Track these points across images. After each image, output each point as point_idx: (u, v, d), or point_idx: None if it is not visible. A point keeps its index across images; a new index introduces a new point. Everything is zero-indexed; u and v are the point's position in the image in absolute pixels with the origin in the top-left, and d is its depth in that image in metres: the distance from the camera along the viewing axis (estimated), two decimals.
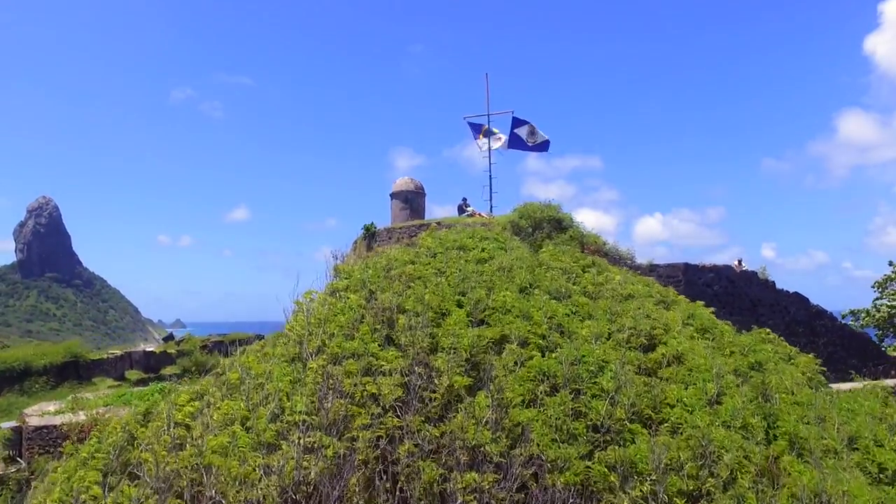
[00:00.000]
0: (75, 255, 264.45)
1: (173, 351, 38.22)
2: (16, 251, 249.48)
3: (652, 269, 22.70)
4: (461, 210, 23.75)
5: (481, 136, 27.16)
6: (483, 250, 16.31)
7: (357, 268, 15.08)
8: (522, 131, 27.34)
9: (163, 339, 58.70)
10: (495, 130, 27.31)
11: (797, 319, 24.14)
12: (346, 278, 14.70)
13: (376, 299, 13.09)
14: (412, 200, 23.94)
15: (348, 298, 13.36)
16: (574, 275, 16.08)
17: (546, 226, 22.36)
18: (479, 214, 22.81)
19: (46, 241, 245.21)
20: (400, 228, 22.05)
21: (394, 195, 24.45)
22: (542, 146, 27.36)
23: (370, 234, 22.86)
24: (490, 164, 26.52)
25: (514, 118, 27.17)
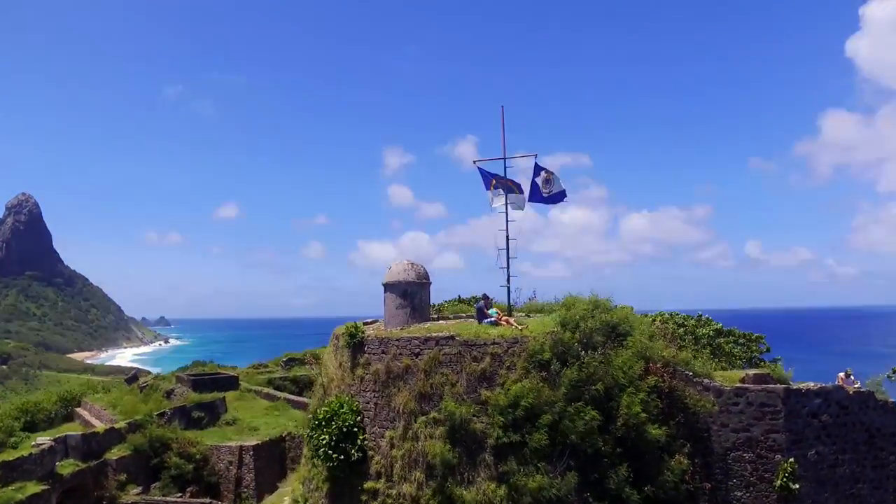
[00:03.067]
0: (56, 253, 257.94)
1: (122, 426, 32.30)
2: None
3: (739, 395, 16.80)
4: (482, 314, 17.59)
5: (492, 187, 21.00)
6: None
7: None
8: (541, 180, 21.25)
9: (125, 381, 52.64)
10: (510, 183, 21.14)
11: None
12: None
13: None
14: (413, 294, 17.76)
15: None
16: None
17: (598, 337, 16.38)
18: (507, 321, 16.69)
19: (26, 239, 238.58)
20: (397, 340, 15.96)
21: (388, 286, 18.28)
22: (558, 196, 21.22)
23: (356, 343, 16.76)
24: (507, 221, 20.36)
25: (536, 165, 21.16)
